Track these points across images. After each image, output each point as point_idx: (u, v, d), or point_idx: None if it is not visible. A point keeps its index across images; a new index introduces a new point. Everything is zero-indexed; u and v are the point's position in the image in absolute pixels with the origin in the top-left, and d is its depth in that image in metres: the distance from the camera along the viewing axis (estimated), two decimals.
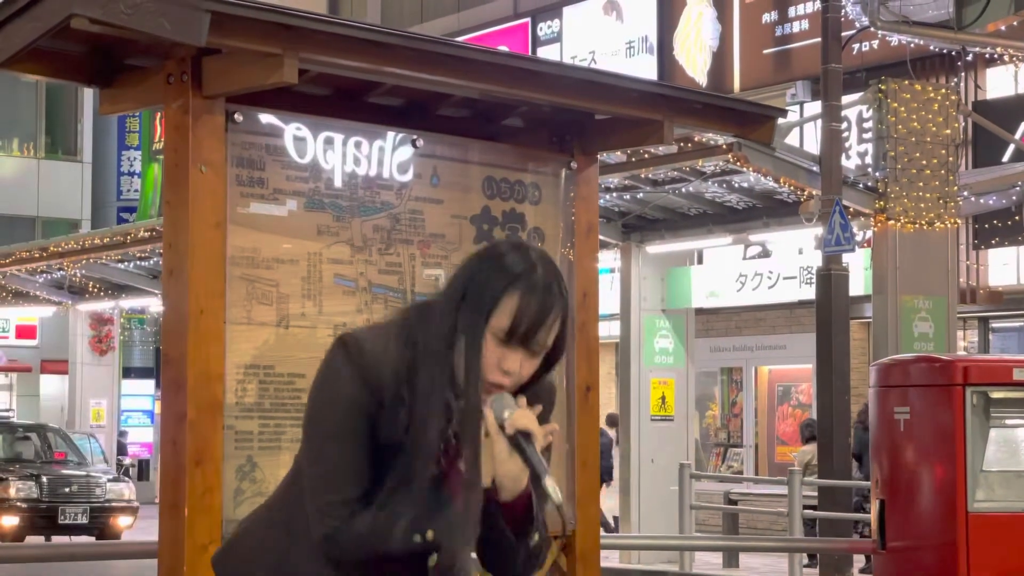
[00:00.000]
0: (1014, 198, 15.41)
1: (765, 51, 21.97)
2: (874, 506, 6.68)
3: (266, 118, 4.30)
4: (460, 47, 4.34)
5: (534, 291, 2.70)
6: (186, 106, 4.04)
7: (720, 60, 22.65)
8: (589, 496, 5.07)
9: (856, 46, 19.48)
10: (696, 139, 12.89)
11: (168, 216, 4.10)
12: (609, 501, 17.78)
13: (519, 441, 2.64)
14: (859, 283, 15.35)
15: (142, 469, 28.85)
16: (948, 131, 14.19)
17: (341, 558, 2.72)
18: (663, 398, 16.33)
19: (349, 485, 2.69)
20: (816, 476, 14.34)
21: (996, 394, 6.26)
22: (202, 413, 4.02)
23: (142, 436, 30.78)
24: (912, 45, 16.77)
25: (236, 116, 4.18)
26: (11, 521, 17.54)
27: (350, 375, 2.68)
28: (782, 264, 17.08)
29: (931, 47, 17.42)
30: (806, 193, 13.83)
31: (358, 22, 4.04)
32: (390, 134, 4.60)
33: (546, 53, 24.67)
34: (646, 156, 13.30)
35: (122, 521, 18.16)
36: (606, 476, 17.00)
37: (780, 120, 5.43)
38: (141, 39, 3.93)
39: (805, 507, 15.11)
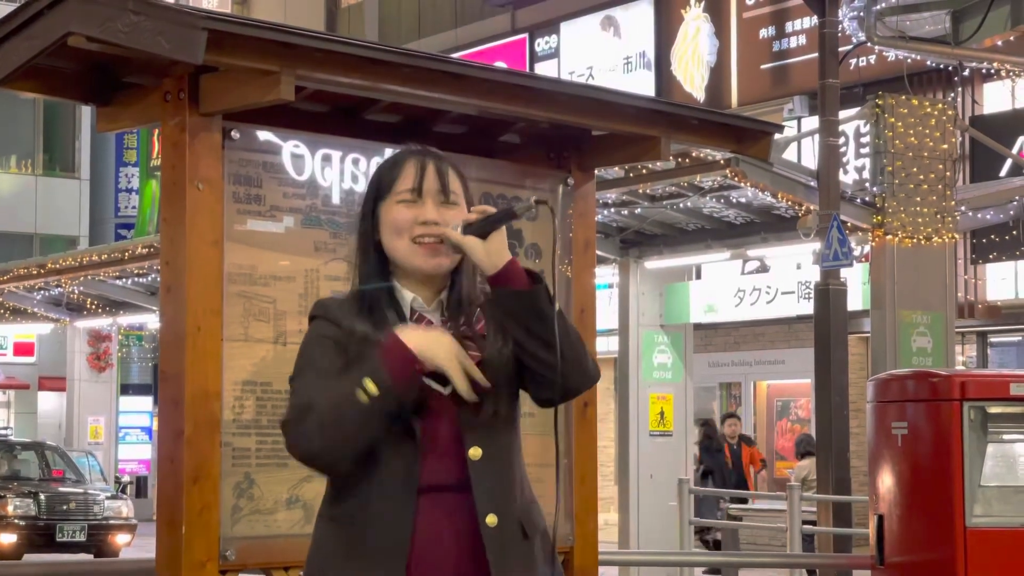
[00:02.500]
0: (1012, 212, 15.43)
1: (763, 66, 22.01)
2: (872, 521, 6.67)
3: (263, 135, 4.31)
4: (457, 64, 4.35)
5: (423, 154, 3.11)
6: (183, 124, 4.04)
7: (718, 75, 22.69)
8: (587, 511, 5.06)
9: (853, 61, 19.52)
10: (694, 155, 12.91)
11: (165, 233, 4.10)
12: None
13: (476, 227, 2.96)
14: (857, 298, 15.36)
15: (140, 486, 28.82)
16: (945, 146, 14.21)
17: (306, 445, 2.87)
18: (661, 413, 16.33)
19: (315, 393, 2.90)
20: (814, 492, 14.41)
21: (994, 409, 6.26)
22: (199, 430, 4.02)
23: (140, 453, 30.75)
24: (909, 60, 16.80)
25: (233, 133, 4.18)
26: (9, 539, 17.52)
27: (324, 320, 3.02)
28: (780, 279, 17.09)
29: (928, 62, 17.45)
30: (804, 208, 13.85)
31: (355, 39, 4.05)
32: (387, 151, 4.61)
33: (544, 69, 24.71)
34: (644, 172, 13.32)
35: (120, 539, 18.15)
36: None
37: (778, 135, 5.44)
38: (138, 57, 3.93)
39: (803, 523, 15.14)
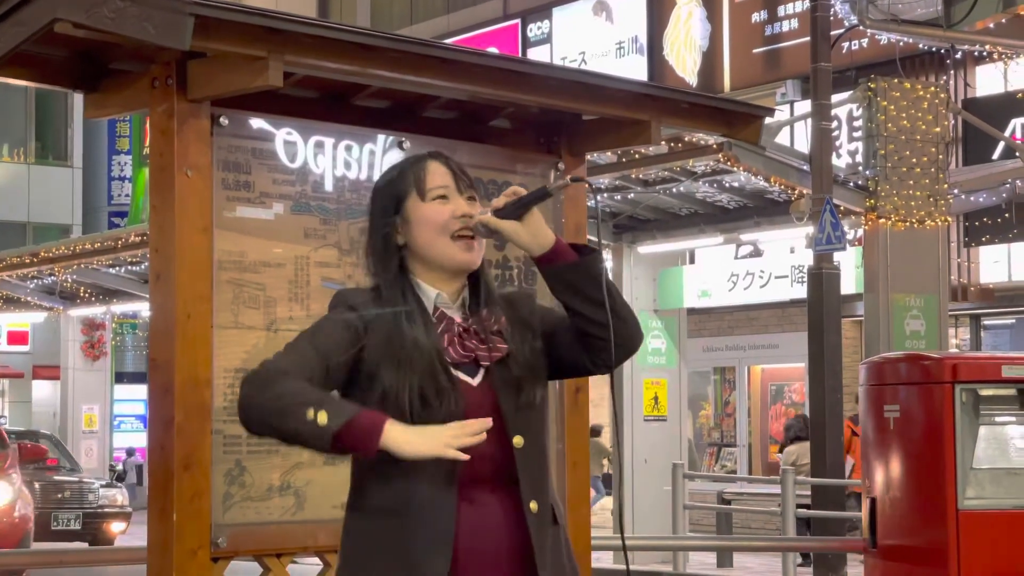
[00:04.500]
0: (1004, 195, 15.43)
1: (755, 50, 22.00)
2: (865, 504, 6.68)
3: (255, 123, 4.29)
4: (446, 48, 4.33)
5: (441, 155, 3.17)
6: (171, 110, 4.03)
7: (710, 60, 22.67)
8: (580, 496, 5.07)
9: (845, 45, 19.51)
10: (686, 139, 12.89)
11: (154, 221, 4.09)
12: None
13: (508, 211, 2.98)
14: (850, 281, 15.36)
15: (139, 474, 28.84)
16: (938, 129, 14.21)
17: (245, 411, 2.90)
18: (656, 398, 16.33)
19: (295, 367, 2.93)
20: (805, 476, 14.46)
21: (985, 391, 6.27)
22: (190, 417, 4.02)
23: (135, 441, 30.76)
24: (901, 43, 16.79)
25: (222, 120, 4.17)
26: None
27: (341, 306, 3.06)
28: (774, 263, 17.09)
29: (920, 45, 17.45)
30: (797, 192, 13.84)
31: (343, 24, 4.03)
32: (380, 137, 4.60)
33: (536, 54, 24.69)
34: (637, 156, 13.31)
35: (115, 527, 18.14)
36: None
37: (770, 119, 5.44)
38: (126, 43, 3.92)
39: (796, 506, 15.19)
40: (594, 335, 3.03)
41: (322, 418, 2.82)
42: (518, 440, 3.01)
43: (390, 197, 3.11)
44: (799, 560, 15.40)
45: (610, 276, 3.06)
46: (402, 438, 2.84)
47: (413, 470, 2.92)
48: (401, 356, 2.96)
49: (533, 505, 2.99)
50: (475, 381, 3.02)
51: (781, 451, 18.12)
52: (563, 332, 3.09)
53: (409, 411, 2.93)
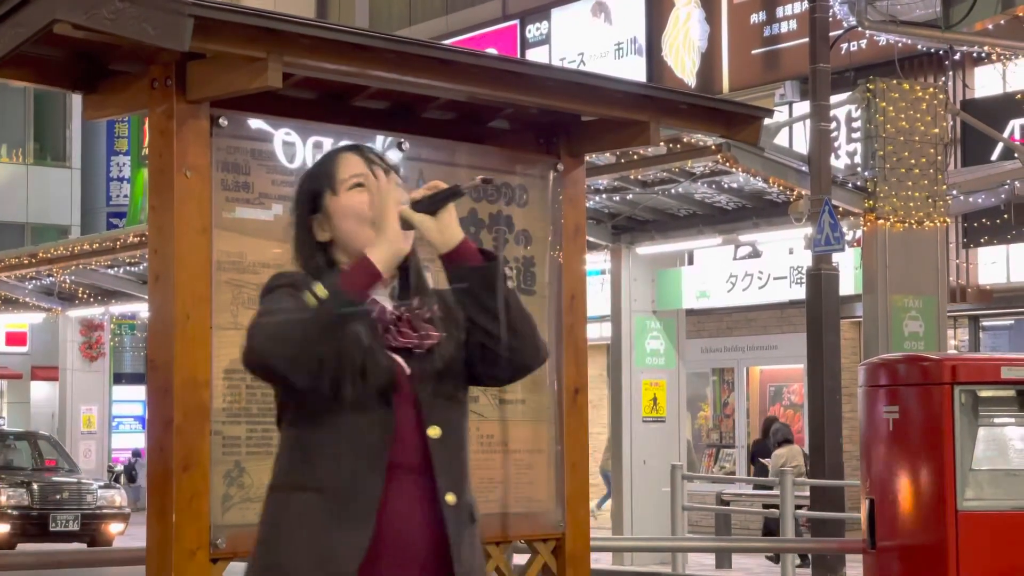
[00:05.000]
0: (1003, 196, 15.43)
1: (753, 51, 22.00)
2: (864, 505, 6.68)
3: (254, 123, 4.29)
4: (444, 49, 4.33)
5: (354, 146, 3.13)
6: (170, 111, 4.03)
7: (709, 61, 22.67)
8: (579, 498, 5.06)
9: (844, 46, 19.51)
10: (685, 140, 12.90)
11: (153, 221, 4.09)
12: None
13: (424, 204, 2.97)
14: (849, 283, 15.37)
15: (138, 475, 28.83)
16: (936, 130, 14.21)
17: (259, 348, 2.87)
18: (655, 399, 16.33)
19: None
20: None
21: (984, 393, 6.27)
22: (189, 418, 4.01)
23: (134, 442, 30.75)
24: (900, 44, 16.79)
25: (221, 121, 4.17)
26: (2, 528, 17.52)
27: (286, 285, 3.04)
28: (772, 264, 17.09)
29: (919, 46, 17.46)
30: (795, 193, 13.85)
31: (342, 25, 4.03)
32: (379, 137, 4.60)
33: (535, 55, 24.69)
34: (635, 157, 13.31)
35: (113, 528, 18.14)
36: None
37: (769, 120, 5.44)
38: (125, 44, 3.92)
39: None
40: (487, 346, 3.00)
41: (320, 291, 2.84)
42: (434, 431, 2.98)
43: (306, 195, 3.10)
44: (797, 561, 15.46)
45: (509, 286, 3.01)
46: (384, 243, 2.91)
47: (340, 450, 2.92)
48: (342, 338, 2.93)
49: (450, 497, 2.97)
50: (407, 369, 3.01)
51: (754, 455, 18.20)
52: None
53: (349, 393, 2.92)
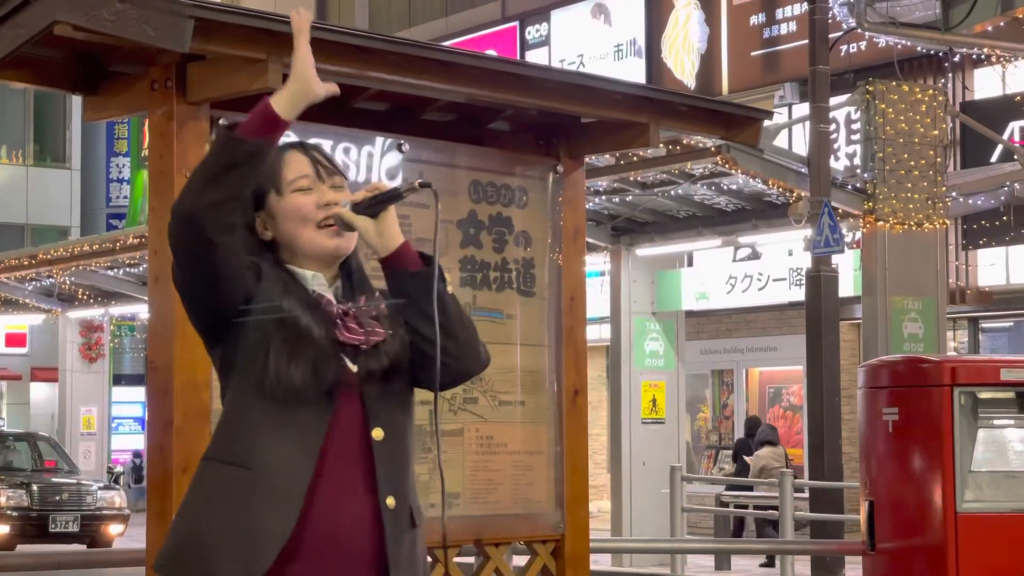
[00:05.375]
0: (1002, 198, 15.44)
1: (753, 53, 22.00)
2: (863, 507, 6.68)
3: None
4: (444, 51, 4.34)
5: (300, 144, 3.09)
6: (171, 112, 4.03)
7: (708, 62, 22.68)
8: (578, 499, 5.07)
9: (844, 48, 19.51)
10: (684, 142, 12.90)
11: (153, 223, 4.09)
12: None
13: (363, 207, 2.95)
14: (849, 284, 15.37)
15: (138, 476, 28.81)
16: (936, 132, 14.22)
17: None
18: (654, 401, 16.33)
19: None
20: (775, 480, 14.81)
21: (984, 394, 6.27)
22: (189, 420, 4.02)
23: (134, 443, 30.74)
24: (899, 46, 16.80)
25: (221, 122, 4.17)
26: (2, 530, 17.51)
27: None
28: (772, 266, 17.10)
29: (918, 48, 17.45)
30: (795, 195, 13.85)
31: (342, 27, 4.04)
32: (379, 139, 4.60)
33: (534, 57, 24.69)
34: (635, 159, 13.31)
35: (113, 529, 18.13)
36: None
37: (768, 122, 5.44)
38: (125, 46, 3.92)
39: (767, 507, 15.40)
40: (423, 351, 2.98)
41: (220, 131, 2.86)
42: (377, 432, 2.96)
43: (251, 194, 3.03)
44: (762, 560, 15.56)
45: (448, 291, 2.99)
46: (290, 86, 2.88)
47: (277, 431, 2.89)
48: (290, 328, 2.92)
49: (390, 501, 2.95)
50: (354, 365, 2.98)
51: (736, 453, 18.23)
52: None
53: (288, 383, 2.90)
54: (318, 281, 3.03)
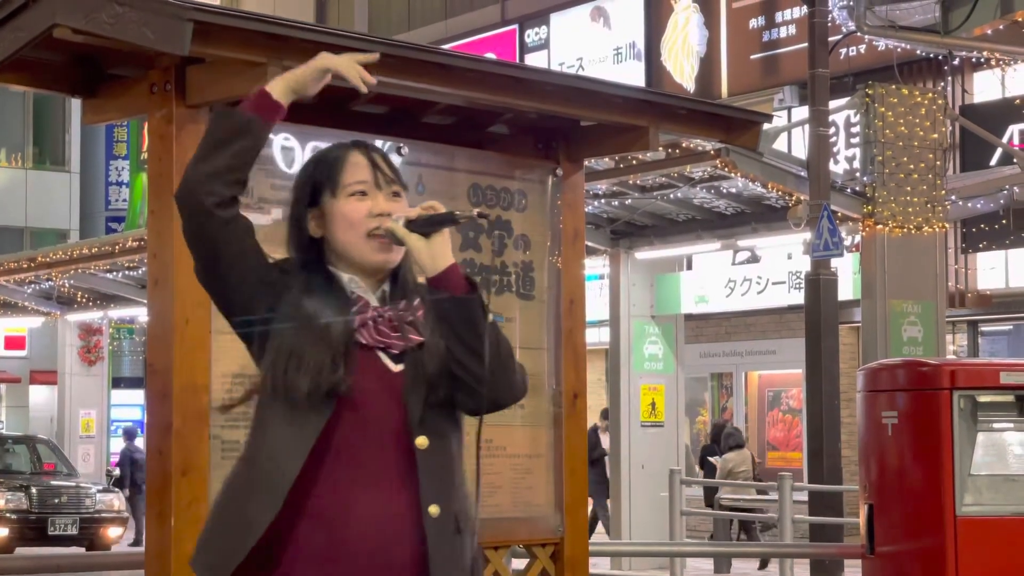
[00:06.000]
0: (1002, 202, 15.44)
1: (752, 56, 22.01)
2: (862, 511, 6.68)
3: None
4: (444, 54, 4.34)
5: (367, 146, 3.04)
6: (170, 115, 4.03)
7: (708, 66, 22.68)
8: (577, 502, 5.06)
9: (843, 51, 19.52)
10: (684, 145, 12.90)
11: (152, 226, 4.09)
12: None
13: (418, 225, 2.93)
14: (848, 288, 15.37)
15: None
16: (935, 135, 14.22)
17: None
18: (653, 404, 16.33)
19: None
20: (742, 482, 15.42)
21: (983, 398, 6.27)
22: (188, 423, 4.02)
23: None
24: (899, 49, 16.80)
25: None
26: (1, 532, 17.50)
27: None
28: (771, 269, 17.10)
29: (918, 51, 17.46)
30: (794, 198, 13.85)
31: (342, 30, 4.04)
32: (378, 142, 4.60)
33: (534, 60, 24.69)
34: (634, 162, 13.31)
35: (112, 532, 18.12)
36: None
37: (768, 126, 5.43)
38: (124, 49, 3.92)
39: (739, 509, 15.51)
40: (459, 374, 2.96)
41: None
42: (421, 441, 2.94)
43: (306, 188, 3.04)
44: (757, 565, 15.67)
45: (489, 319, 2.95)
46: (288, 72, 2.95)
47: (277, 426, 2.90)
48: (311, 324, 2.92)
49: (433, 509, 2.93)
50: (396, 368, 2.97)
51: (702, 460, 18.29)
52: None
53: (299, 376, 2.90)
54: (356, 284, 3.02)
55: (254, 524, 2.87)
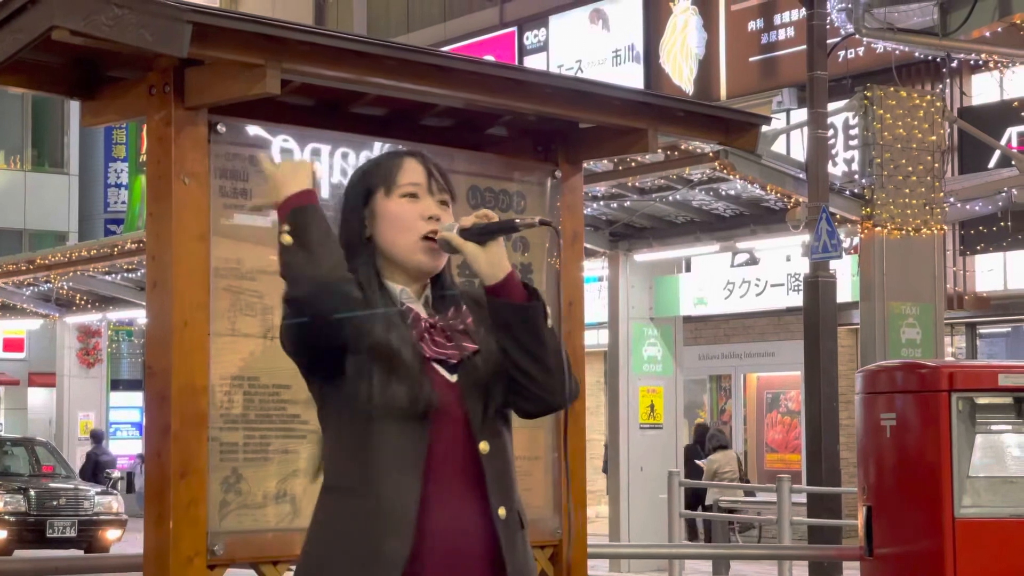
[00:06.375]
0: (1000, 204, 15.45)
1: (751, 59, 22.02)
2: (861, 513, 6.68)
3: (252, 129, 4.29)
4: (443, 56, 4.34)
5: (421, 154, 3.10)
6: (168, 118, 4.03)
7: (706, 68, 22.69)
8: (576, 505, 5.06)
9: (842, 53, 19.53)
10: (683, 147, 12.90)
11: (151, 228, 4.09)
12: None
13: (473, 233, 2.94)
14: (846, 290, 15.38)
15: (130, 482, 28.78)
16: (934, 137, 14.23)
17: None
18: (652, 406, 16.34)
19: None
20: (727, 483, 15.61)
21: (982, 400, 6.27)
22: (186, 425, 4.01)
23: (131, 449, 30.72)
24: (897, 52, 16.81)
25: (219, 127, 4.17)
26: None
27: None
28: (770, 271, 17.10)
29: (916, 54, 17.47)
30: (793, 200, 13.86)
31: (340, 32, 4.04)
32: (377, 144, 4.60)
33: (533, 62, 24.70)
34: (633, 164, 13.31)
35: (110, 534, 18.11)
36: None
37: (766, 128, 5.43)
38: (123, 51, 3.92)
39: (722, 510, 15.58)
40: (517, 379, 2.99)
41: (285, 239, 2.93)
42: (484, 446, 2.98)
43: (361, 188, 3.08)
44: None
45: (548, 324, 2.99)
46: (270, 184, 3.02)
47: (377, 451, 2.90)
48: (382, 345, 2.93)
49: (502, 511, 2.98)
50: (453, 378, 3.00)
51: (686, 461, 18.35)
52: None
53: (384, 402, 2.91)
54: (406, 295, 3.04)
55: (395, 558, 2.87)
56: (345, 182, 4.47)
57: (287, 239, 2.90)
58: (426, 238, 3.01)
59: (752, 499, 16.92)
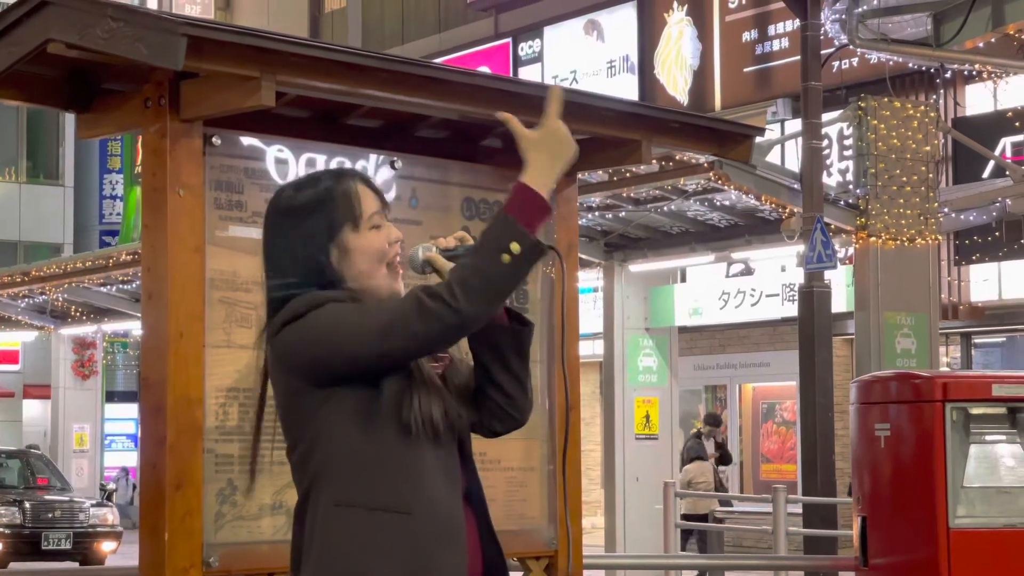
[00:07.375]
0: (994, 214, 15.47)
1: (746, 69, 22.05)
2: (856, 523, 6.68)
3: (246, 141, 4.30)
4: (437, 68, 4.35)
5: (360, 175, 3.08)
6: (164, 130, 4.04)
7: (701, 79, 22.72)
8: (572, 516, 5.06)
9: (836, 64, 19.56)
10: (677, 158, 12.92)
11: (146, 240, 4.10)
12: None
13: (456, 254, 2.95)
14: (841, 300, 15.38)
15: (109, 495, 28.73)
16: (928, 148, 14.25)
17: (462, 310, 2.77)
18: (647, 416, 16.33)
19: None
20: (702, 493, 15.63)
21: (976, 410, 6.28)
22: (182, 436, 4.02)
23: (126, 461, 30.69)
24: (891, 63, 16.84)
25: (214, 139, 4.18)
26: None
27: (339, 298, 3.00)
28: (765, 282, 17.12)
29: (910, 64, 17.50)
30: (787, 211, 13.87)
31: (335, 45, 4.05)
32: (372, 156, 4.61)
33: (527, 73, 24.73)
34: (628, 175, 13.32)
35: (106, 546, 18.10)
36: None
37: (761, 138, 5.45)
38: (118, 63, 3.93)
39: (691, 517, 15.63)
40: (492, 397, 2.99)
41: (515, 247, 2.75)
42: (473, 456, 3.05)
43: (323, 224, 2.98)
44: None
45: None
46: (546, 164, 2.89)
47: (426, 472, 2.89)
48: (417, 367, 2.93)
49: (493, 525, 3.03)
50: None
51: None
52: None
53: (430, 421, 2.90)
54: None
55: (457, 572, 2.88)
56: None
57: (507, 257, 2.75)
58: (391, 264, 3.02)
59: (729, 508, 17.04)
